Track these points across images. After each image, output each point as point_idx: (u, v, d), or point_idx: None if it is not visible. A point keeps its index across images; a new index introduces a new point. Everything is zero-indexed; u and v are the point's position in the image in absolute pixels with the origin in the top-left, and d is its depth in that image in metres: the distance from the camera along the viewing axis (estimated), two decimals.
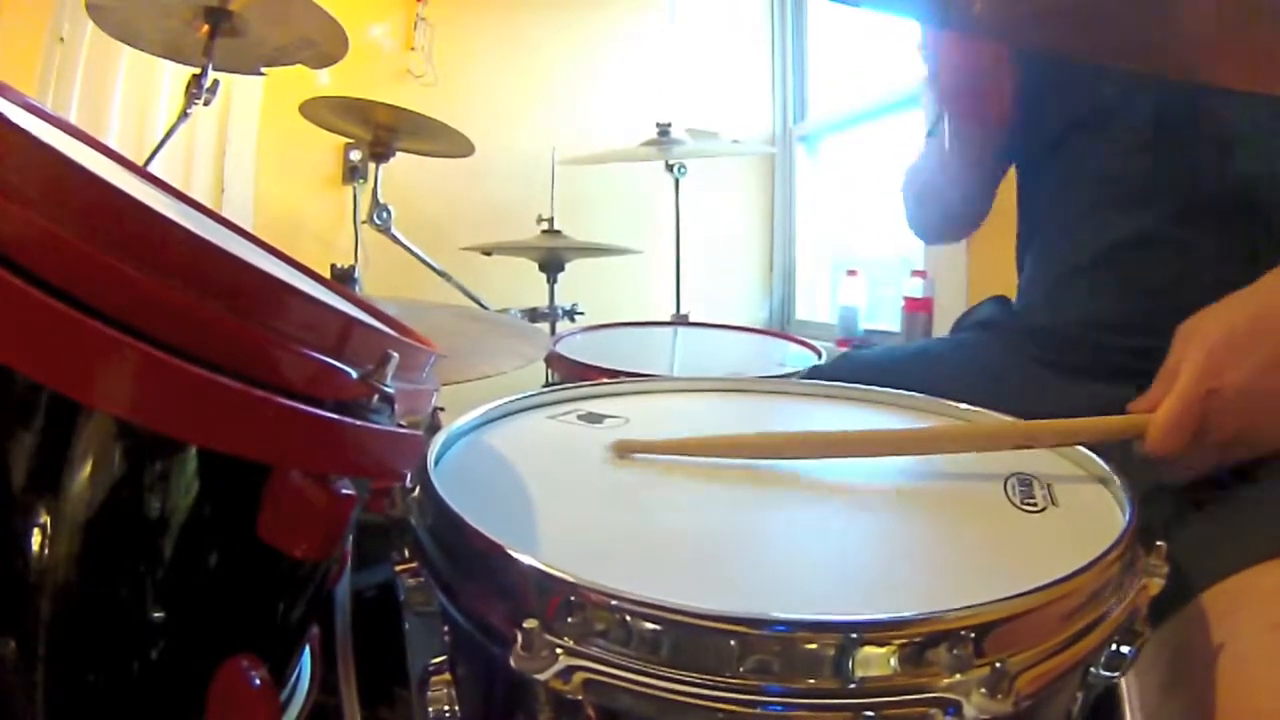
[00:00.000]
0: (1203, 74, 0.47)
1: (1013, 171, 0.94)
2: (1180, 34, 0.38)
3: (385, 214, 1.78)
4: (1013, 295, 0.94)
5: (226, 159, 2.15)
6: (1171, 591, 0.44)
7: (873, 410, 0.71)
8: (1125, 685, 0.50)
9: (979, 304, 0.97)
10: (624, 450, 0.56)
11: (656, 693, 0.33)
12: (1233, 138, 0.70)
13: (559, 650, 0.34)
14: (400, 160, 1.76)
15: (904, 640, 0.33)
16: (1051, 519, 0.48)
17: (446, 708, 0.42)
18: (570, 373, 1.19)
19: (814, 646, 0.33)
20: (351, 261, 1.70)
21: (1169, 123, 0.72)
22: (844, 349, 2.26)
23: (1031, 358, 0.80)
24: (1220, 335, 0.54)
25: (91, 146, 0.51)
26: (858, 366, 0.89)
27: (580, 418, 0.65)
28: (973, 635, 0.33)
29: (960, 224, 1.02)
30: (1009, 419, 0.60)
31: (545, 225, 1.95)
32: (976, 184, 0.92)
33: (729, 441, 0.57)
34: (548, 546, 0.42)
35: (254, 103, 2.16)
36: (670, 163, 1.97)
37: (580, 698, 0.34)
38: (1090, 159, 0.79)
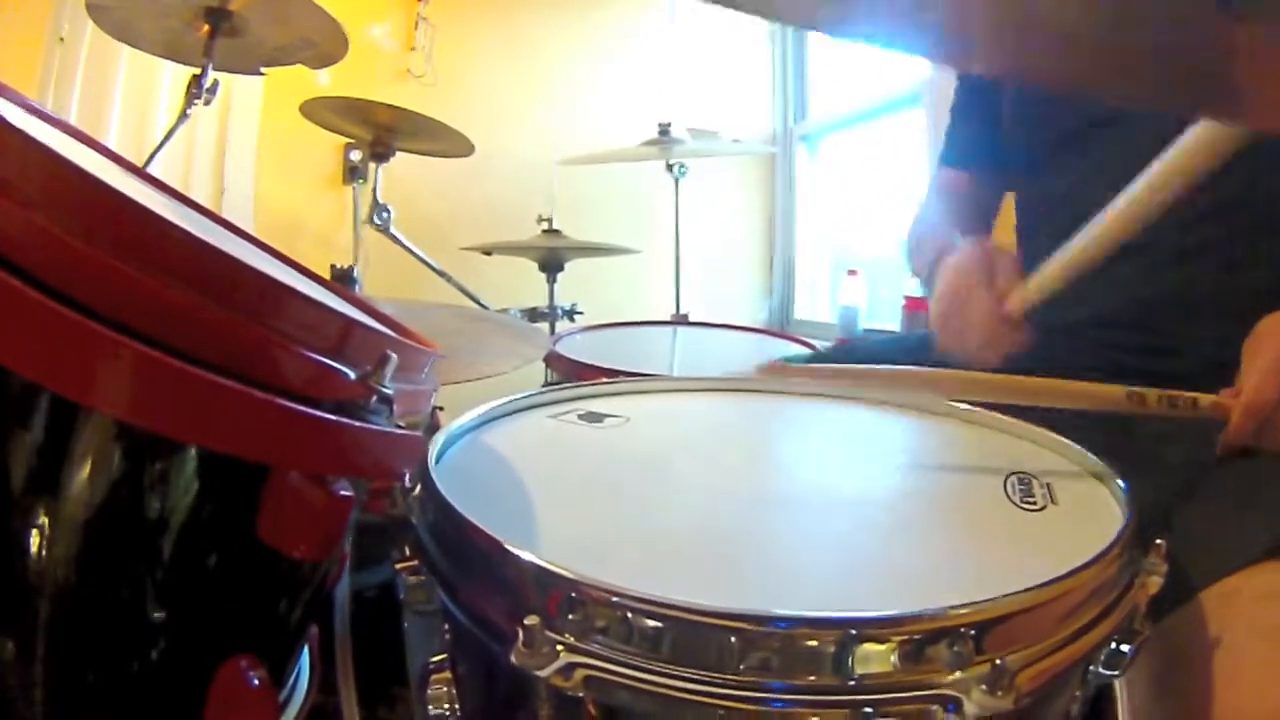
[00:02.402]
0: (1240, 117, 0.47)
1: None
2: (1217, 74, 0.37)
3: (385, 214, 1.78)
4: None
5: (226, 159, 2.14)
6: (1170, 592, 0.44)
7: (877, 410, 0.71)
8: (1117, 685, 0.50)
9: None
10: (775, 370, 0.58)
11: (657, 689, 0.33)
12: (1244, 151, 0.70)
13: (560, 647, 0.34)
14: (400, 160, 1.76)
15: (904, 637, 0.33)
16: (1051, 517, 0.48)
17: (447, 705, 0.42)
18: (570, 372, 1.19)
19: (814, 643, 0.33)
20: (351, 261, 1.71)
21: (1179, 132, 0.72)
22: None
23: (1032, 355, 0.80)
24: None
25: (91, 147, 0.51)
26: (858, 359, 0.89)
27: (580, 417, 0.65)
28: (973, 632, 0.33)
29: None
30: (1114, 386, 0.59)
31: (545, 225, 1.95)
32: None
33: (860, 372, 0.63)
34: (548, 544, 0.42)
35: (254, 103, 2.16)
36: (670, 162, 1.97)
37: (581, 694, 0.34)
38: (1098, 162, 0.78)
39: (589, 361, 1.19)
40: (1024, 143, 0.89)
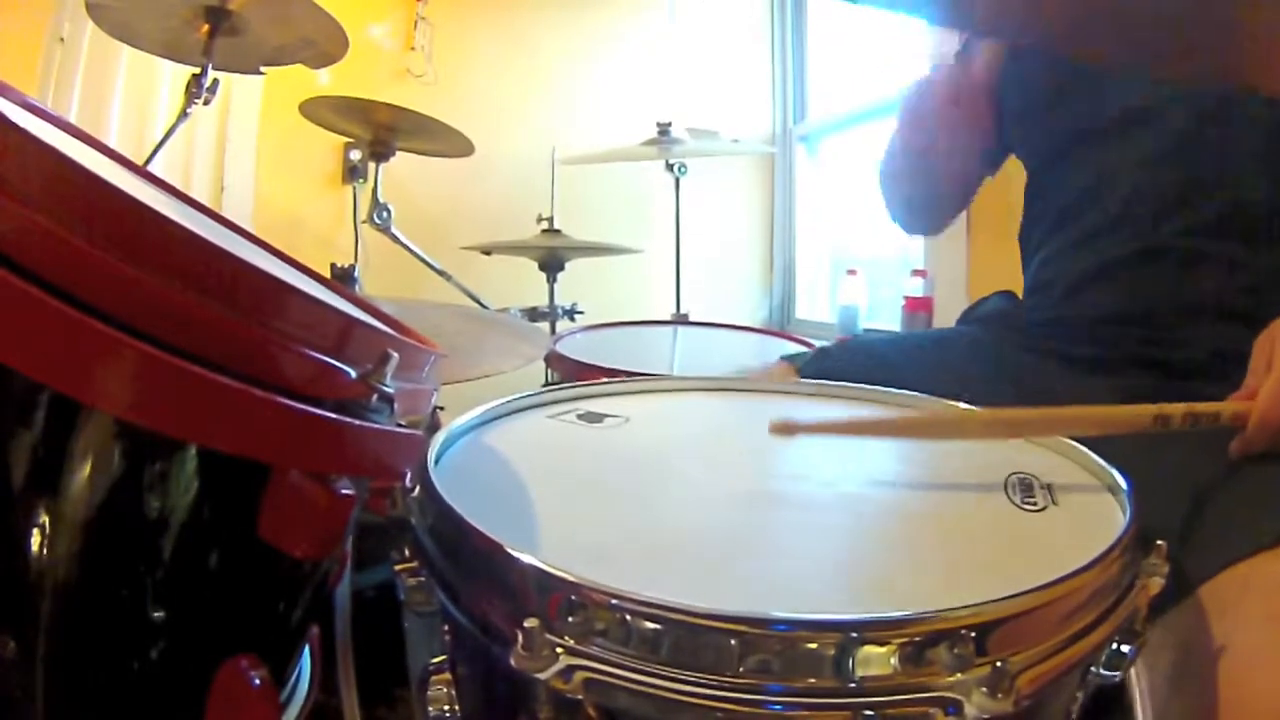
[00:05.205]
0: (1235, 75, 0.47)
1: (1018, 169, 0.94)
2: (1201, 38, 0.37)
3: (385, 213, 1.78)
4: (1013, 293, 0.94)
5: (226, 159, 2.14)
6: (1176, 581, 0.44)
7: (881, 411, 0.71)
8: (1135, 677, 0.50)
9: (985, 298, 0.97)
10: (785, 431, 0.57)
11: (657, 692, 0.33)
12: (1260, 153, 0.70)
13: (559, 650, 0.34)
14: (400, 160, 1.76)
15: (904, 639, 0.33)
16: (1051, 518, 0.48)
17: (446, 707, 0.42)
18: (570, 372, 1.19)
19: (814, 646, 0.33)
20: (351, 261, 1.70)
21: (1204, 133, 0.72)
22: None
23: (1045, 350, 0.80)
24: None
25: (91, 146, 0.51)
26: (867, 355, 0.88)
27: (580, 417, 0.65)
28: (973, 634, 0.33)
29: (937, 208, 1.02)
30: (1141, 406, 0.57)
31: (545, 224, 1.95)
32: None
33: (877, 424, 0.62)
34: (548, 546, 0.42)
35: (254, 102, 2.16)
36: (670, 162, 1.97)
37: (581, 697, 0.34)
38: (1122, 163, 0.78)
39: (589, 361, 1.19)
40: (1033, 140, 0.89)
